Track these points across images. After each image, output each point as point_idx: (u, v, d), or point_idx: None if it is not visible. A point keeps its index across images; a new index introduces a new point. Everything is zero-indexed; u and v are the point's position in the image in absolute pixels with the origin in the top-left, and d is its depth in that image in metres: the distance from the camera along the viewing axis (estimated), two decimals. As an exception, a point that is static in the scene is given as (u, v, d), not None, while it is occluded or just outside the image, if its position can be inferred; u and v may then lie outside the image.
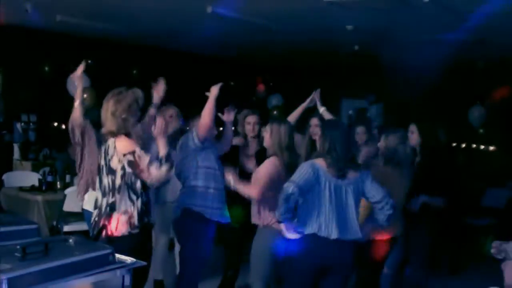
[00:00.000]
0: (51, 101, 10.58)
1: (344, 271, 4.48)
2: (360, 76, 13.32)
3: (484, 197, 9.27)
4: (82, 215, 7.45)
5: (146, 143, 4.79)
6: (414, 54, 10.51)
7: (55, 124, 11.12)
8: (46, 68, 11.05)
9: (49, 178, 7.82)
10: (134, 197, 4.35)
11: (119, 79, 11.32)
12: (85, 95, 6.12)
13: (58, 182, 7.81)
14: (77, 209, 7.27)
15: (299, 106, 6.45)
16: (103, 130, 4.48)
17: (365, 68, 12.67)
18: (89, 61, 8.70)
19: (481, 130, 11.28)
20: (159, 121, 4.51)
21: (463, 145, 11.57)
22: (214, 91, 5.24)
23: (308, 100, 6.42)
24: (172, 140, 5.41)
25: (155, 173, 4.28)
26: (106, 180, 4.37)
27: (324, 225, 4.32)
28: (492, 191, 9.31)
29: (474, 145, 11.68)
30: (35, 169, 9.46)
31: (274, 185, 4.83)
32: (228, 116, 5.66)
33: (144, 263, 3.47)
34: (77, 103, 5.31)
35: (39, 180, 7.79)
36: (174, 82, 12.11)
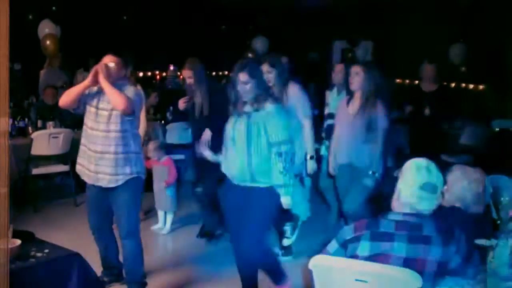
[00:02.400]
0: (35, 50, 10.64)
1: None
2: (352, 17, 13.21)
3: (462, 135, 9.29)
4: (50, 159, 7.74)
5: None
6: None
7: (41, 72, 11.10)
8: (30, 16, 11.11)
9: (21, 124, 7.96)
10: None
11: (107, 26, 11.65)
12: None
13: (29, 128, 7.93)
14: (45, 152, 7.51)
15: None
16: None
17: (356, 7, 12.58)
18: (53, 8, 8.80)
19: (462, 68, 11.21)
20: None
21: (444, 83, 11.48)
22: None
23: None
24: None
25: None
26: None
27: None
28: (470, 129, 9.32)
29: (453, 84, 11.61)
30: (16, 116, 9.54)
31: None
32: None
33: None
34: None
35: (10, 125, 7.85)
36: (166, 28, 12.34)
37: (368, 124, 5.45)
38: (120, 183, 4.78)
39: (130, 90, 4.75)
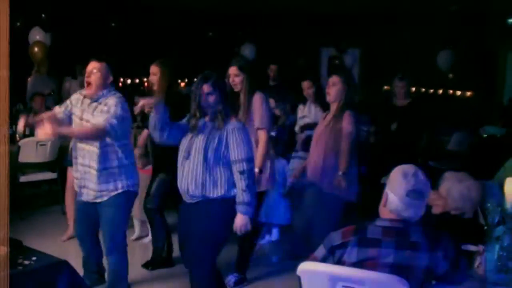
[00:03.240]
0: (23, 56, 10.58)
1: None
2: (339, 23, 13.23)
3: (449, 142, 9.35)
4: (38, 166, 7.71)
5: None
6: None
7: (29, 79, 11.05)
8: (18, 23, 11.04)
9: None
10: None
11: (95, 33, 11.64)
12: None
13: (17, 135, 7.89)
14: (32, 159, 7.48)
15: None
16: None
17: (343, 15, 12.62)
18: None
19: (450, 75, 11.27)
20: None
21: (431, 90, 11.59)
22: None
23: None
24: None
25: None
26: None
27: None
28: (457, 136, 9.37)
29: (441, 91, 11.69)
30: (3, 123, 9.46)
31: None
32: None
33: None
34: None
35: (-3, 132, 7.78)
36: (154, 36, 12.34)
37: (336, 134, 5.37)
38: (105, 198, 4.76)
39: (110, 104, 4.65)
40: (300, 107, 7.01)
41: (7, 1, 2.82)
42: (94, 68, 4.69)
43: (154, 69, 5.94)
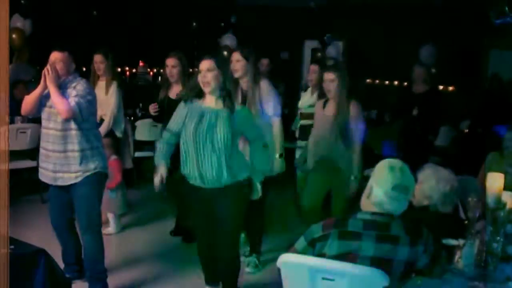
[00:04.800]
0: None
1: None
2: (323, 16, 13.21)
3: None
4: (17, 154, 7.60)
5: None
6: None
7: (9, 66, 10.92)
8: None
9: (-13, 118, 7.81)
10: None
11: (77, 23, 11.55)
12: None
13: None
14: (12, 147, 7.33)
15: None
16: None
17: (326, 7, 12.63)
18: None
19: (433, 70, 11.27)
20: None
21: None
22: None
23: None
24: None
25: None
26: None
27: None
28: (440, 130, 9.38)
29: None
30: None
31: None
32: None
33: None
34: None
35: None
36: (136, 24, 12.28)
37: (345, 126, 5.46)
38: (79, 179, 4.77)
39: (79, 89, 4.71)
40: (302, 93, 7.05)
41: (7, 1, 2.79)
42: (56, 59, 4.75)
43: (173, 61, 6.15)
